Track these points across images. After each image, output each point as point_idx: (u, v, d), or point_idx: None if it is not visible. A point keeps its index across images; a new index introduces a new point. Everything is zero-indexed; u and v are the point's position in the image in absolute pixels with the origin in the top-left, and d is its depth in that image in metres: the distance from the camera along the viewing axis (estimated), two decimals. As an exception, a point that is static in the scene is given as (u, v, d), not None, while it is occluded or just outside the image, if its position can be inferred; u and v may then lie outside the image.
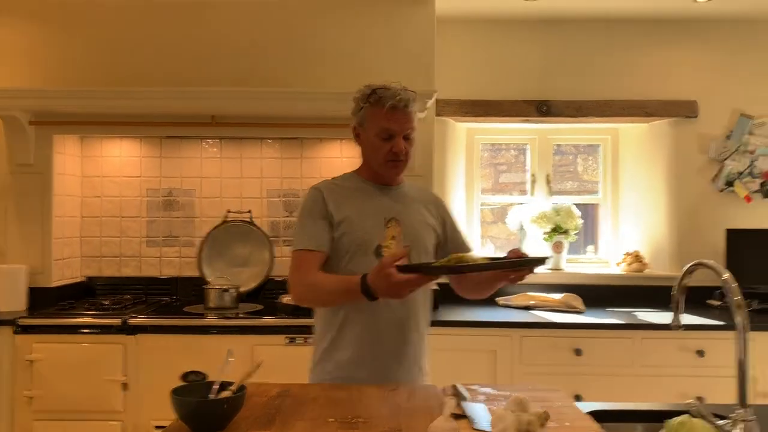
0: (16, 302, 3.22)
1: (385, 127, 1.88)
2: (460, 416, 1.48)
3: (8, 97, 3.21)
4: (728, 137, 3.70)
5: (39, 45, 3.40)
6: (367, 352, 1.87)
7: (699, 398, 2.93)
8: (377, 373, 1.86)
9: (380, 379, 1.83)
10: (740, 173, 3.68)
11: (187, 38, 3.41)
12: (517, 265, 1.72)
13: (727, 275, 1.38)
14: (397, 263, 1.60)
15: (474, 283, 2.00)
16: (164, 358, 2.96)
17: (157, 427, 2.92)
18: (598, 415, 1.57)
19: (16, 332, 2.98)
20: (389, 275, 1.59)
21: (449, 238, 2.06)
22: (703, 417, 1.33)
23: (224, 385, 1.47)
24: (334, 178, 2.03)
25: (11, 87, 3.32)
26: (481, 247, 3.97)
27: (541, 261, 1.75)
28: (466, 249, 2.05)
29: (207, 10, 3.41)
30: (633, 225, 3.91)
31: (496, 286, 1.95)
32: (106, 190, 3.68)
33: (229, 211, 3.58)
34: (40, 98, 3.22)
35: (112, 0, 3.39)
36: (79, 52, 3.40)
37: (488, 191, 4.06)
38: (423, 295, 1.96)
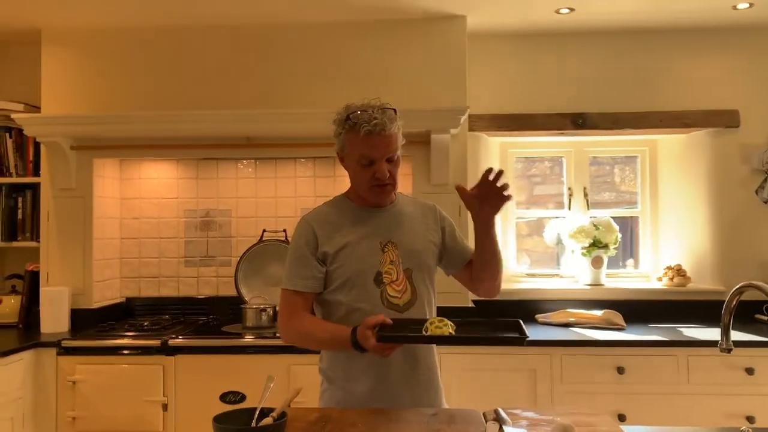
0: (60, 324, 3.29)
1: (364, 154, 1.80)
2: (503, 443, 1.45)
3: (51, 123, 3.32)
4: (772, 146, 3.60)
5: (79, 72, 3.49)
6: (379, 382, 1.83)
7: (748, 418, 2.84)
8: (392, 403, 1.82)
9: (396, 407, 1.81)
10: (785, 183, 3.57)
11: (222, 62, 3.46)
12: (495, 341, 1.70)
13: (779, 297, 1.33)
14: (382, 322, 1.65)
15: (479, 273, 1.94)
16: (203, 378, 2.99)
17: (197, 448, 2.94)
18: (646, 441, 1.53)
19: (59, 353, 3.03)
20: (367, 338, 1.64)
21: (447, 247, 1.99)
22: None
23: (265, 412, 1.47)
24: (324, 204, 1.98)
25: (53, 114, 3.42)
26: (516, 262, 3.92)
27: (520, 340, 1.69)
28: (469, 254, 1.99)
29: (241, 33, 3.46)
30: (674, 238, 3.81)
31: (492, 264, 1.92)
32: (144, 212, 3.74)
33: (264, 231, 3.60)
34: (81, 124, 3.31)
35: (147, 26, 3.47)
36: (117, 78, 3.48)
37: (522, 204, 4.02)
38: (431, 314, 1.92)
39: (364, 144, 1.79)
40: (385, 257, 1.86)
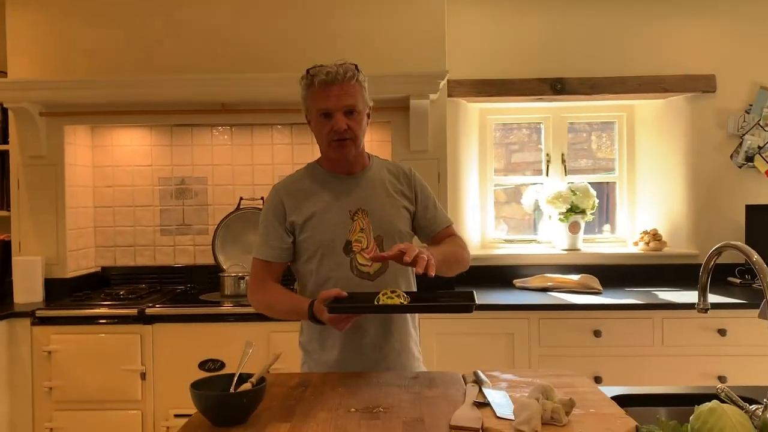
0: (33, 294, 3.24)
1: (320, 107, 1.79)
2: (483, 404, 1.46)
3: (18, 89, 3.21)
4: (747, 111, 3.62)
5: (46, 35, 3.37)
6: (350, 351, 1.84)
7: (720, 377, 2.91)
8: (364, 368, 1.83)
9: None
10: (760, 148, 3.60)
11: (195, 25, 3.36)
12: (446, 309, 1.69)
13: (756, 257, 1.34)
14: (336, 295, 1.65)
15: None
16: (181, 347, 2.97)
17: (176, 416, 2.93)
18: (622, 400, 1.55)
19: (33, 324, 2.99)
20: (321, 311, 1.65)
21: (418, 216, 1.96)
22: (732, 401, 1.30)
23: (244, 377, 1.46)
24: (296, 172, 1.96)
25: (21, 78, 3.31)
26: (495, 229, 3.93)
27: (467, 307, 1.66)
28: (438, 226, 1.97)
29: (214, -5, 3.37)
30: (650, 203, 3.85)
31: (457, 256, 1.90)
32: (117, 180, 3.67)
33: (241, 198, 3.56)
34: (50, 89, 3.21)
35: (118, -13, 3.35)
36: (87, 42, 3.37)
37: (500, 171, 4.01)
38: (405, 281, 1.90)
39: (320, 95, 1.79)
40: (354, 225, 1.84)
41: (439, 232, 1.98)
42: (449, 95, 3.51)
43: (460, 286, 3.38)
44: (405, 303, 1.70)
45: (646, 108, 3.86)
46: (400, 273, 1.88)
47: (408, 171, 2.00)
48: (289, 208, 1.86)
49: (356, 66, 1.82)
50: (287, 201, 1.86)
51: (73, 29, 3.38)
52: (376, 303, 1.68)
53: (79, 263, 3.50)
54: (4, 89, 3.21)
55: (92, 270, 3.62)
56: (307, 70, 1.83)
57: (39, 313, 3.00)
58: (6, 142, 3.42)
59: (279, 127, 3.64)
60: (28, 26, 3.37)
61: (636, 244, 3.80)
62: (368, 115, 1.89)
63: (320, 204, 1.85)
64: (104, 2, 3.37)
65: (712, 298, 3.04)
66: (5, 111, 3.39)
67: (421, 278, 1.74)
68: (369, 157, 1.97)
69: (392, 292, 1.70)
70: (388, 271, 1.84)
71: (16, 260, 3.27)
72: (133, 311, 2.99)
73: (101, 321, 2.99)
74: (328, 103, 1.78)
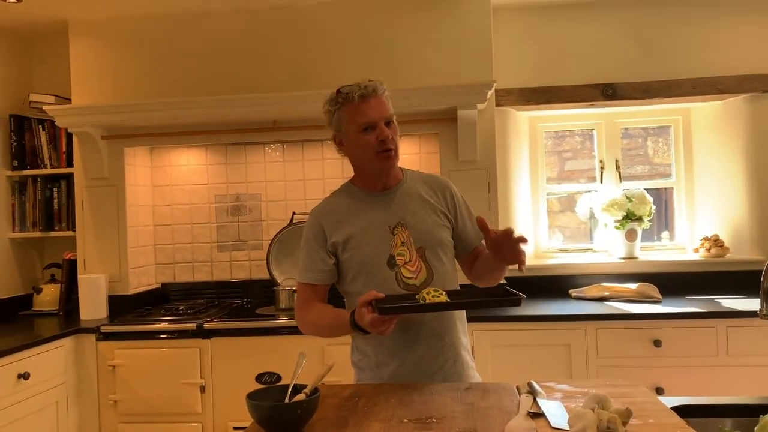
0: (98, 310, 3.36)
1: (364, 120, 1.81)
2: (537, 415, 1.44)
3: (81, 114, 3.36)
4: (811, 110, 3.48)
5: (106, 62, 3.53)
6: (404, 363, 1.83)
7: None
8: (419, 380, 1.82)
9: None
10: (826, 148, 3.45)
11: (247, 46, 3.47)
12: (493, 304, 1.65)
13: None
14: (376, 298, 1.62)
15: (482, 275, 1.94)
16: (239, 360, 3.03)
17: (235, 428, 2.99)
18: (683, 410, 1.50)
19: (98, 339, 3.11)
20: (362, 315, 1.62)
21: (457, 230, 1.95)
22: (800, 411, 1.25)
23: (298, 388, 1.48)
24: (331, 195, 1.97)
25: (83, 104, 3.47)
26: (549, 238, 3.88)
27: (516, 300, 1.66)
28: (477, 240, 1.96)
29: (265, 16, 3.46)
30: (710, 209, 3.72)
31: (499, 276, 1.89)
32: (176, 199, 3.79)
33: (294, 213, 3.62)
34: (110, 113, 3.34)
35: (172, 13, 3.48)
36: (144, 67, 3.52)
37: (553, 180, 3.96)
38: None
39: (362, 109, 1.81)
40: (395, 239, 1.85)
41: (477, 246, 1.97)
42: (497, 104, 3.50)
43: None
44: (450, 301, 1.68)
45: (703, 111, 3.75)
46: (446, 283, 1.86)
47: (445, 183, 2.00)
48: (329, 230, 1.87)
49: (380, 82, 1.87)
50: (326, 223, 1.88)
51: (131, 55, 3.53)
52: (422, 302, 1.67)
53: (141, 280, 3.62)
54: (69, 115, 3.37)
55: (153, 286, 3.74)
56: (338, 91, 1.85)
57: (104, 329, 3.11)
58: (71, 165, 3.59)
59: (329, 142, 3.68)
60: (90, 54, 3.54)
61: (696, 251, 3.68)
62: None
63: (359, 223, 1.87)
64: (159, 29, 3.51)
65: (779, 305, 2.92)
66: (70, 136, 3.55)
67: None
68: (402, 171, 1.98)
69: (435, 290, 1.68)
70: (434, 281, 1.84)
71: (82, 278, 3.41)
72: (192, 326, 3.07)
73: (162, 336, 3.08)
74: (372, 115, 1.80)
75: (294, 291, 3.28)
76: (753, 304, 3.02)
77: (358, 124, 1.82)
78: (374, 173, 1.89)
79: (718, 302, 3.10)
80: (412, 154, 3.60)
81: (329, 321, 1.83)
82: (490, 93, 3.24)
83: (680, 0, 3.55)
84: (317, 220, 1.90)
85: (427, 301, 1.66)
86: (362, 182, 1.93)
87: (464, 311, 1.96)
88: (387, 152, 1.83)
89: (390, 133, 1.82)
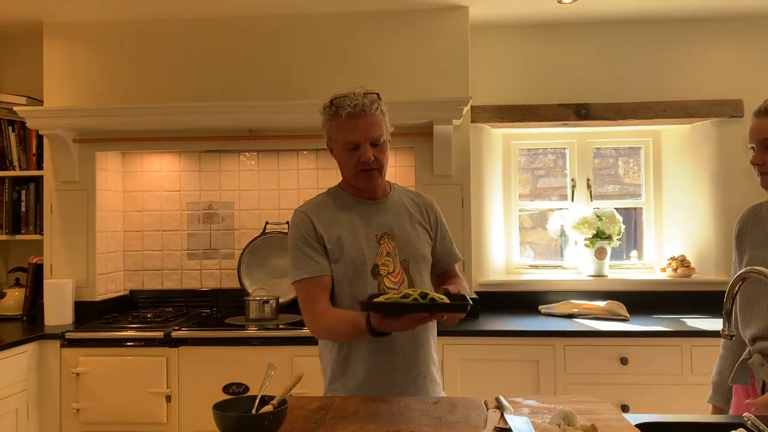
0: (63, 316, 3.30)
1: (348, 138, 1.80)
2: (504, 430, 1.45)
3: (53, 116, 3.31)
4: (776, 136, 3.57)
5: (80, 65, 3.49)
6: (373, 372, 1.82)
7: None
8: (389, 393, 1.81)
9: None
10: (790, 173, 3.54)
11: (224, 54, 3.46)
12: (446, 308, 1.63)
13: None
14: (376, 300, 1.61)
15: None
16: (206, 370, 2.99)
17: (201, 439, 2.95)
18: (647, 428, 1.52)
19: (63, 346, 3.04)
20: (387, 325, 1.61)
21: (437, 247, 1.97)
22: (759, 430, 1.27)
23: (265, 399, 1.47)
24: (317, 196, 1.96)
25: (55, 107, 3.42)
26: (520, 254, 3.91)
27: (462, 307, 1.63)
28: (451, 261, 2.00)
29: (242, 25, 3.46)
30: (677, 229, 3.80)
31: None
32: (147, 205, 3.75)
33: (267, 223, 3.60)
34: (83, 117, 3.30)
35: (149, 18, 3.46)
36: (118, 70, 3.48)
37: (526, 197, 4.01)
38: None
39: (347, 127, 1.80)
40: (381, 249, 1.85)
41: (450, 267, 2.01)
42: (473, 121, 3.54)
43: (484, 312, 3.38)
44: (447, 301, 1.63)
45: (672, 133, 3.84)
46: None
47: (429, 202, 2.02)
48: (319, 225, 1.86)
49: (378, 95, 1.84)
50: (316, 219, 1.86)
51: (106, 59, 3.49)
52: (427, 301, 1.60)
53: (108, 286, 3.57)
54: (40, 117, 3.32)
55: (120, 293, 3.68)
56: (331, 100, 1.83)
57: (68, 335, 3.05)
58: (41, 167, 3.53)
59: (305, 152, 3.69)
60: (64, 56, 3.50)
61: (663, 270, 3.74)
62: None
63: (346, 226, 1.86)
64: (134, 33, 3.49)
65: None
66: (41, 138, 3.50)
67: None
68: (390, 185, 1.99)
69: (413, 291, 1.63)
70: None
71: (48, 283, 3.34)
72: (160, 334, 3.03)
73: (128, 344, 3.03)
74: (357, 135, 1.79)
75: (264, 301, 3.26)
76: (716, 324, 3.08)
77: (343, 141, 1.82)
78: (358, 186, 1.90)
79: (684, 321, 3.16)
80: (388, 167, 3.61)
81: (347, 326, 1.75)
82: (466, 109, 3.27)
83: (654, 24, 3.64)
84: (306, 217, 1.87)
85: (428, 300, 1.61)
86: (349, 189, 1.94)
87: (435, 327, 1.96)
88: (368, 172, 1.83)
89: (373, 155, 1.81)
